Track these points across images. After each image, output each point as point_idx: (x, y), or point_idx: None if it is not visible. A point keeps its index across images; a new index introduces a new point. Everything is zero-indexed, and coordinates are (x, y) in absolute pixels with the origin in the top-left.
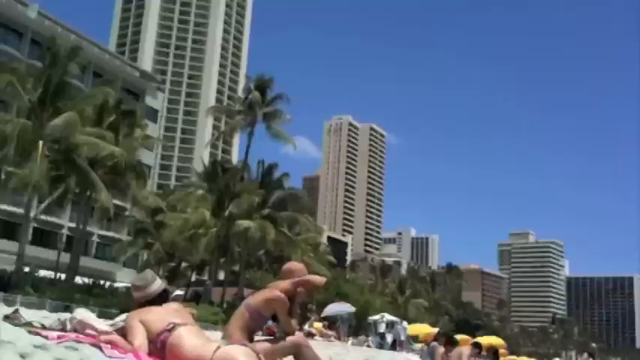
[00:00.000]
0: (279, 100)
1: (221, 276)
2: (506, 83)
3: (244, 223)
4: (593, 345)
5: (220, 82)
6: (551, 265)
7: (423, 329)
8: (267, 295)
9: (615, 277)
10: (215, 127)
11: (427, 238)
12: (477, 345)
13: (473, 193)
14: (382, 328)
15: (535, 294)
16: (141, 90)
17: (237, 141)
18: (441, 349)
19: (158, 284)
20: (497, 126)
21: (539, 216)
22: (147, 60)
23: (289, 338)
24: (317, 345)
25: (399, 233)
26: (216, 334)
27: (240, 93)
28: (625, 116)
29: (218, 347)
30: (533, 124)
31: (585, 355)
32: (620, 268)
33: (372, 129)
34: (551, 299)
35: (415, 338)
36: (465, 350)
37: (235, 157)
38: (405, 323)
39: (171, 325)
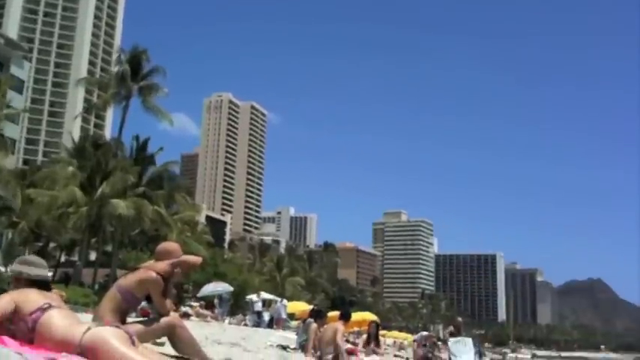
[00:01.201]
0: (156, 73)
1: (92, 257)
2: (388, 55)
3: (117, 202)
4: (459, 319)
5: (93, 53)
6: (422, 243)
7: (300, 307)
8: (140, 276)
9: (480, 255)
10: (87, 101)
11: (306, 218)
12: (341, 316)
13: (350, 173)
14: (259, 307)
15: (406, 271)
16: (5, 58)
17: (110, 116)
18: (315, 325)
19: (46, 272)
20: (378, 106)
21: (411, 196)
22: (12, 26)
23: (163, 319)
24: (193, 325)
25: (279, 212)
26: (87, 317)
27: (114, 65)
28: (489, 105)
29: (88, 329)
30: (410, 100)
31: (451, 328)
32: (485, 246)
33: (253, 107)
34: (421, 276)
35: (292, 316)
36: (340, 326)
37: (109, 133)
38: (285, 301)
39: (47, 305)
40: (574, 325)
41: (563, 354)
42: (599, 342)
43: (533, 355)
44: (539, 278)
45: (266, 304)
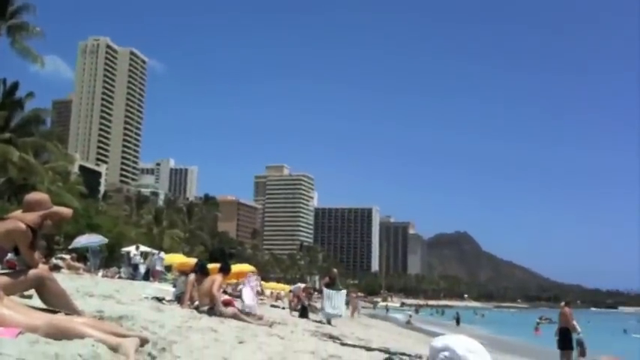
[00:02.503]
0: (25, 11)
1: None
2: (276, 8)
3: None
4: (335, 270)
5: None
6: (302, 196)
7: (178, 259)
8: (7, 227)
9: (357, 209)
10: None
11: (186, 170)
12: (221, 269)
13: (233, 127)
14: (136, 260)
15: (286, 224)
16: None
17: None
18: (192, 277)
19: None
20: (261, 58)
21: (293, 150)
22: None
23: (31, 271)
24: (64, 278)
25: (158, 164)
26: None
27: None
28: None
29: None
30: (291, 57)
31: (327, 278)
32: (362, 200)
33: (132, 53)
34: (300, 228)
35: (169, 268)
36: (218, 277)
37: None
38: (162, 254)
39: None
40: (441, 275)
41: (430, 302)
42: (464, 291)
43: (402, 304)
44: (411, 231)
45: (143, 256)
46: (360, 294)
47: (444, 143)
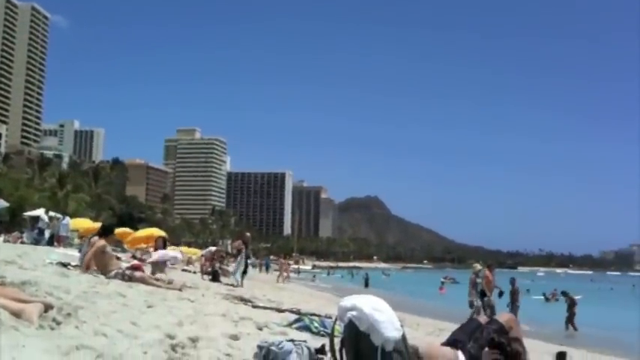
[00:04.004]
0: None
1: None
2: None
3: None
4: (247, 234)
5: None
6: (215, 160)
7: (84, 224)
8: None
9: (270, 173)
10: None
11: (92, 132)
12: (104, 230)
13: (142, 87)
14: (41, 224)
15: (198, 188)
16: None
17: None
18: (95, 239)
19: None
20: (172, 17)
21: (205, 114)
22: None
23: None
24: None
25: (62, 125)
26: None
27: None
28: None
29: None
30: (202, 17)
31: (239, 241)
32: (276, 164)
33: (33, 9)
34: (213, 193)
35: (75, 233)
36: (100, 241)
37: None
38: (67, 219)
39: None
40: (351, 238)
41: (341, 264)
42: (373, 253)
43: (314, 266)
44: (323, 195)
45: (48, 221)
46: (272, 257)
47: (356, 107)
